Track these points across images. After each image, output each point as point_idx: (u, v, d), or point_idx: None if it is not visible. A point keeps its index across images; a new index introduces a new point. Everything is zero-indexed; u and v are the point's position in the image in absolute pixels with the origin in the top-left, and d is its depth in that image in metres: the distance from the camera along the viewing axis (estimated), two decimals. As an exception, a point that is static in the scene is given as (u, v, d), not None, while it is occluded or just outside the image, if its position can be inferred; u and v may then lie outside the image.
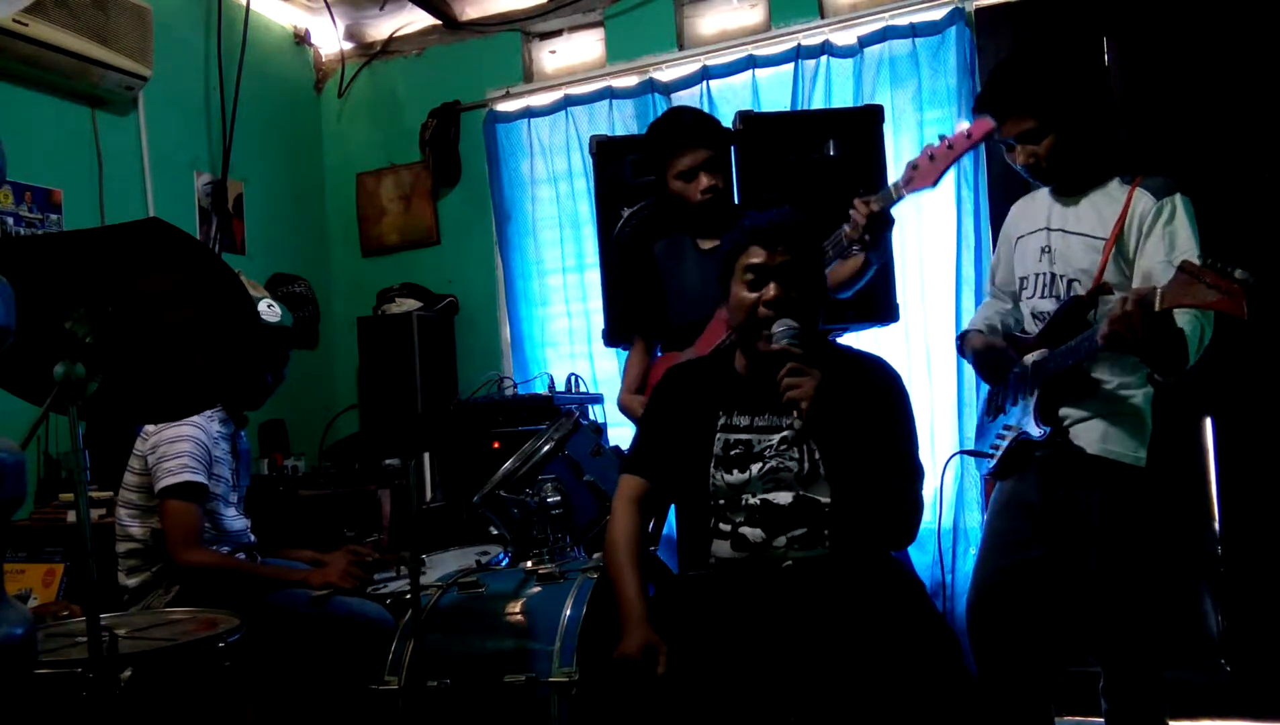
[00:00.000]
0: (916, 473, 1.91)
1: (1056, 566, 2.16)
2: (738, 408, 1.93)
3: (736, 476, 1.89)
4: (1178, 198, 2.03)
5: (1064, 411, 2.12)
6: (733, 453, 1.90)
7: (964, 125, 2.19)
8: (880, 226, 2.27)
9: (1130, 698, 2.13)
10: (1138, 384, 2.07)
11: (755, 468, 1.88)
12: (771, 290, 1.83)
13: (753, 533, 1.86)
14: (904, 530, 1.90)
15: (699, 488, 1.92)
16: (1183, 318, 1.88)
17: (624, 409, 2.76)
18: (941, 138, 2.21)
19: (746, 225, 1.90)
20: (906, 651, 1.65)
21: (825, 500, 1.85)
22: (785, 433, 1.88)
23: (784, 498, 1.86)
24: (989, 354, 2.25)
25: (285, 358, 2.65)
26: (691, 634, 1.76)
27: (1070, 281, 2.13)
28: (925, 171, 2.20)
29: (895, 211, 2.31)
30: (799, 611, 1.74)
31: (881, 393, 1.92)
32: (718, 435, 1.92)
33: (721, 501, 1.90)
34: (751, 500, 1.87)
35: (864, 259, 2.41)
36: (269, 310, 2.55)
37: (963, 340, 2.40)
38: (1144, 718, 2.13)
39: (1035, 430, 2.14)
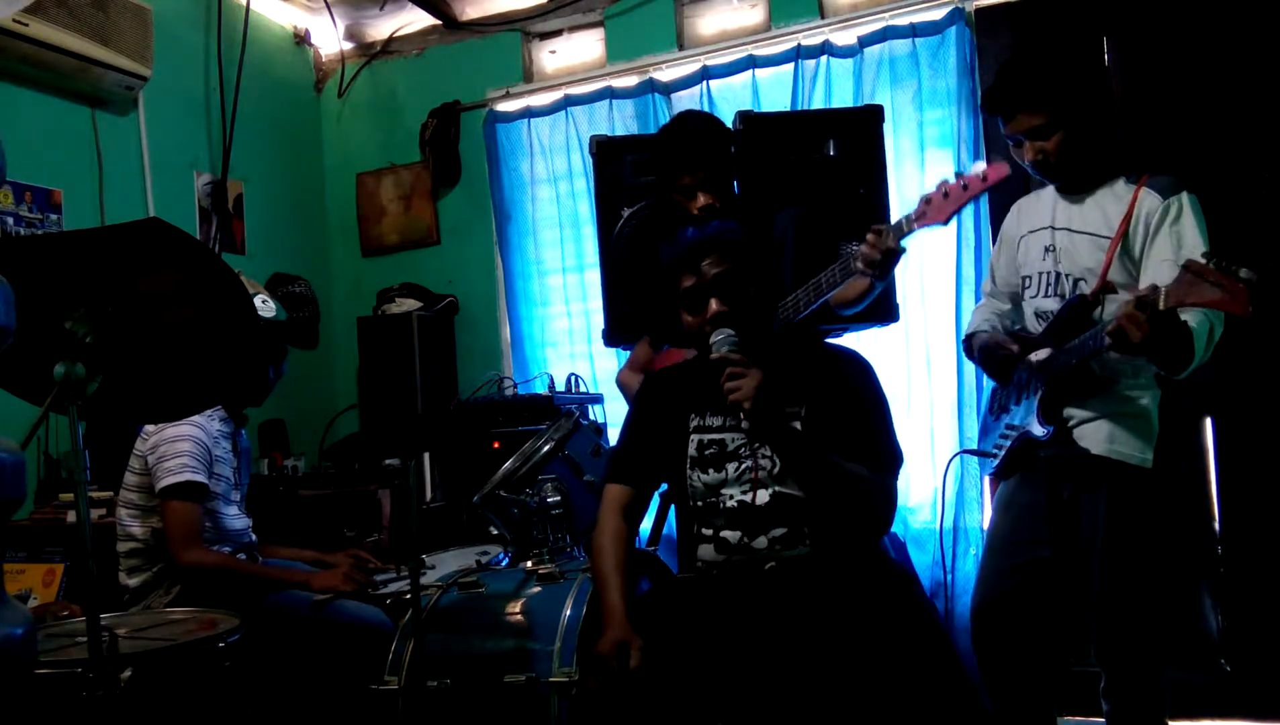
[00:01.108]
0: (892, 461, 1.90)
1: (1061, 567, 2.16)
2: (710, 409, 1.95)
3: (712, 476, 1.90)
4: (1185, 196, 2.02)
5: (1070, 412, 2.11)
6: (707, 453, 1.92)
7: (981, 166, 2.18)
8: (891, 259, 2.27)
9: (1131, 699, 2.13)
10: (1145, 385, 2.07)
11: (730, 467, 1.90)
12: (713, 306, 1.86)
13: (733, 535, 1.88)
14: (876, 519, 1.90)
15: (679, 490, 1.96)
16: (1192, 315, 1.88)
17: (621, 385, 2.80)
18: (958, 175, 2.19)
19: (666, 256, 1.93)
20: (893, 649, 1.65)
21: (801, 495, 1.85)
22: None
23: (761, 497, 1.86)
24: (994, 351, 2.24)
25: (284, 352, 2.67)
26: (676, 637, 1.76)
27: (1075, 281, 2.13)
28: (938, 207, 2.20)
29: (896, 211, 2.31)
30: (783, 613, 1.75)
31: (851, 383, 1.93)
32: (692, 436, 1.94)
33: (700, 503, 1.92)
34: (729, 502, 1.88)
35: (869, 282, 2.42)
36: (264, 305, 2.58)
37: (969, 342, 2.39)
38: (1144, 719, 2.12)
39: (1038, 429, 2.13)
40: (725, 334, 1.83)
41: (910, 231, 2.24)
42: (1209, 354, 1.94)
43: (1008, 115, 2.15)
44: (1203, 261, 1.70)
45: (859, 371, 1.96)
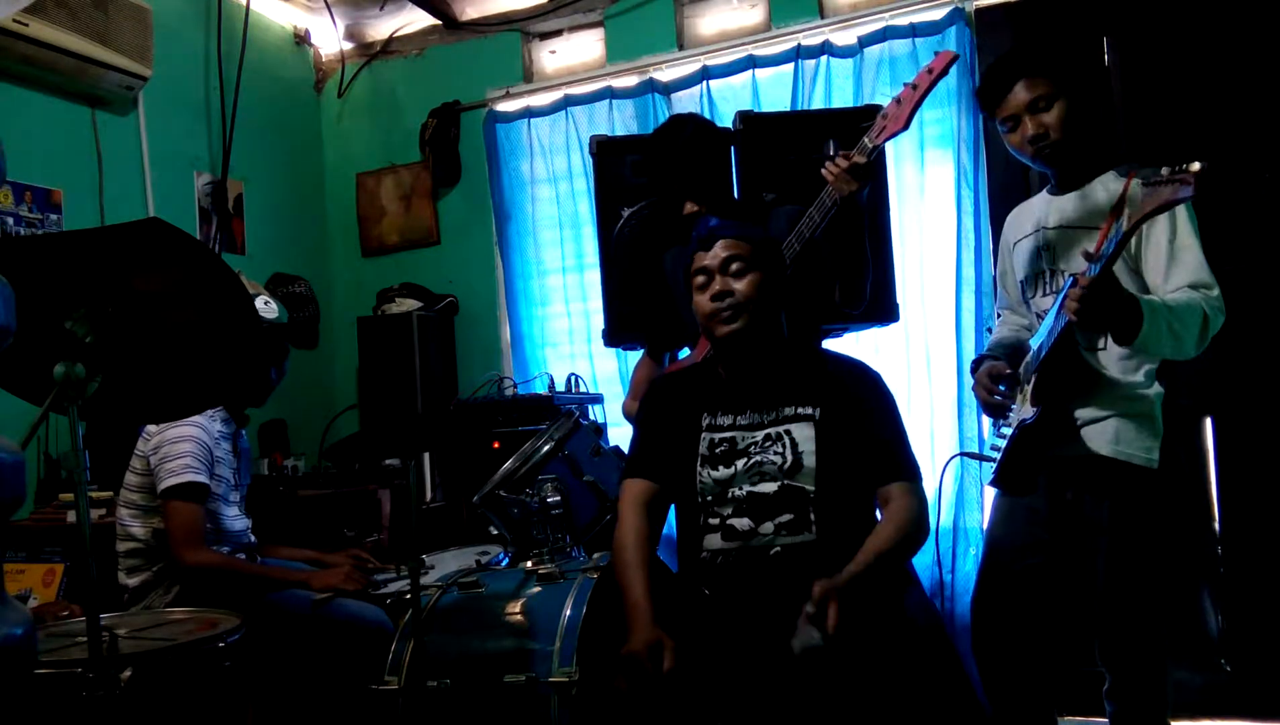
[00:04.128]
0: (917, 470, 1.94)
1: (1061, 570, 2.15)
2: (721, 408, 2.00)
3: (722, 472, 1.95)
4: None
5: (1076, 412, 2.09)
6: (718, 450, 1.97)
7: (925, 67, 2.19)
8: (863, 175, 2.25)
9: (1135, 700, 2.12)
10: (1147, 383, 2.06)
11: (740, 463, 1.94)
12: (717, 283, 1.94)
13: (740, 522, 1.92)
14: (923, 530, 1.92)
15: (688, 487, 1.99)
16: (1190, 302, 1.89)
17: (628, 416, 2.78)
18: (905, 85, 2.21)
19: (692, 236, 2.01)
20: (892, 641, 1.66)
21: (810, 488, 1.90)
22: (768, 429, 1.94)
23: (769, 488, 1.91)
24: (989, 387, 2.23)
25: (285, 352, 2.68)
26: (686, 626, 1.78)
27: (1073, 277, 2.12)
28: (894, 116, 2.21)
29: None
30: (788, 598, 1.75)
31: (867, 395, 1.97)
32: (703, 435, 1.99)
33: (709, 497, 1.96)
34: (738, 493, 1.93)
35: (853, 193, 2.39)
36: (265, 307, 2.58)
37: (976, 365, 2.35)
38: (1148, 719, 2.12)
39: (1028, 412, 2.11)
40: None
41: (876, 148, 2.24)
42: (1205, 343, 1.94)
43: (1005, 92, 2.13)
44: (1157, 174, 1.71)
45: (873, 385, 2.00)
